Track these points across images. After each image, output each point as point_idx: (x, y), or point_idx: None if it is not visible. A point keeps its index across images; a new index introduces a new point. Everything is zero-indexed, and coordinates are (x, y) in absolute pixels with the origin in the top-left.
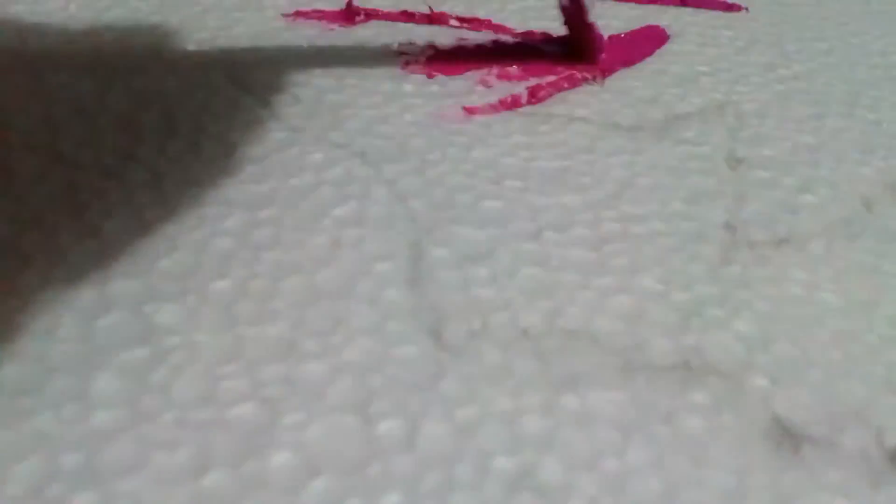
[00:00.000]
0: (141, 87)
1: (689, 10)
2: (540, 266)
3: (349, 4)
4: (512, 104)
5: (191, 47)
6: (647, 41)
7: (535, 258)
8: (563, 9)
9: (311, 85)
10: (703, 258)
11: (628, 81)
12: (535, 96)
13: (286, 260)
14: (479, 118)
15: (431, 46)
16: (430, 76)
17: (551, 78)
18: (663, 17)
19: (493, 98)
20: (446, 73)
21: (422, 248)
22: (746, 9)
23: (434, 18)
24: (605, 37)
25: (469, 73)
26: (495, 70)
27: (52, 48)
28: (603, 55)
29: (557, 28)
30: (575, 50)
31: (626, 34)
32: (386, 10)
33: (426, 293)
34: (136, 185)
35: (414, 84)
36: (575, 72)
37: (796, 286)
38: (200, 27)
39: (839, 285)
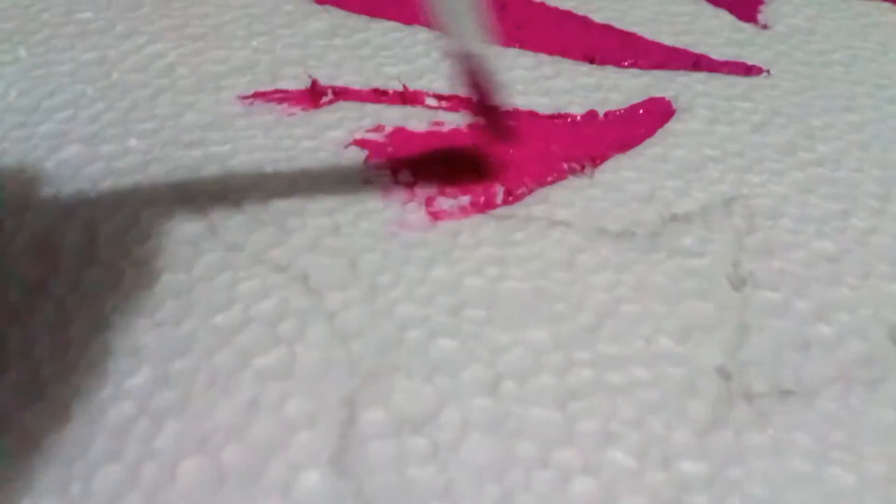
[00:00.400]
0: (68, 197)
1: (701, 75)
2: (492, 432)
3: (314, 84)
4: (485, 205)
5: (132, 142)
6: (648, 118)
7: (487, 421)
8: (468, 84)
9: (259, 188)
10: (689, 419)
11: (622, 172)
12: (511, 194)
13: (190, 432)
14: (446, 223)
15: (401, 132)
16: (395, 171)
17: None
18: (671, 86)
19: (465, 198)
20: (414, 166)
21: (355, 408)
22: (768, 71)
23: (408, 97)
24: (601, 113)
25: (442, 164)
26: (467, 163)
27: None
28: (515, 130)
29: (544, 105)
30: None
31: (623, 111)
32: (356, 87)
33: (352, 475)
34: (39, 330)
35: (376, 182)
36: (556, 161)
37: (801, 459)
38: (146, 116)
39: (853, 455)
